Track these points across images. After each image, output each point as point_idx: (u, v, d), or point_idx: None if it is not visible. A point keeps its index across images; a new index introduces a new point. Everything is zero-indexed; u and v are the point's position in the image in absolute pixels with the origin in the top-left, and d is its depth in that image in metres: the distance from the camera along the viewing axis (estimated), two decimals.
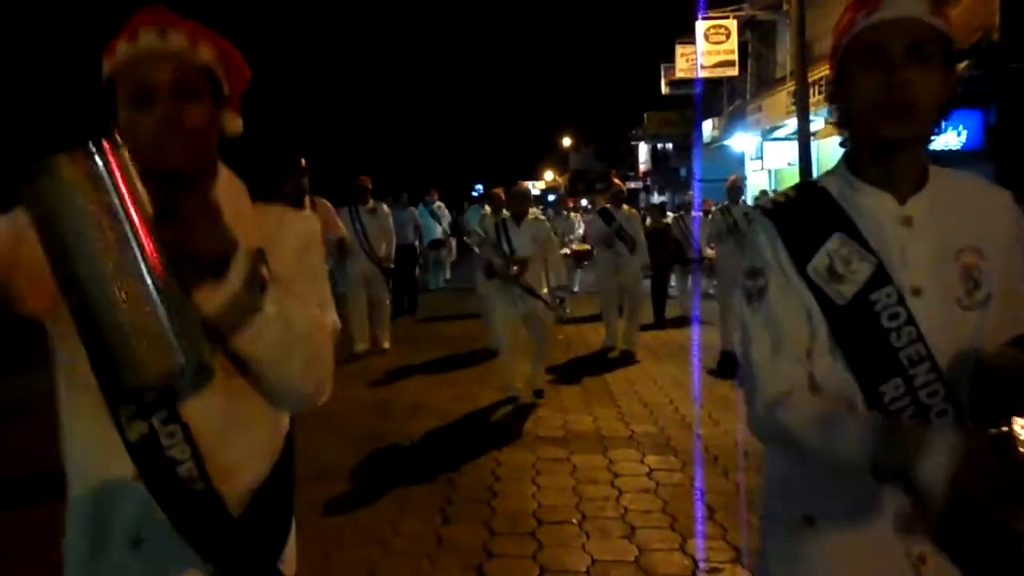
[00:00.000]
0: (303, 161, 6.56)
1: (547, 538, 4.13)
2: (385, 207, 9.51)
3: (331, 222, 7.31)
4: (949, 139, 12.22)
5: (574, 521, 4.34)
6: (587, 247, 14.29)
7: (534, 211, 7.35)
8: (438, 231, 15.37)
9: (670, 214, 12.61)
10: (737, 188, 9.01)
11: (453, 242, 16.61)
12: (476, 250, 8.05)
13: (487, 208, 8.90)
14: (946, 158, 13.11)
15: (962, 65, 10.64)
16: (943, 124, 1.50)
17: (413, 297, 12.57)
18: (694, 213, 12.08)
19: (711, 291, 13.27)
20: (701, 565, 3.82)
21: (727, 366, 7.94)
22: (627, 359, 8.72)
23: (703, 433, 5.95)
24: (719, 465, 5.21)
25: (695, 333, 9.82)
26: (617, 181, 10.32)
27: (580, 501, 4.61)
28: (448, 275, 16.88)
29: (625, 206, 9.25)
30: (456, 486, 4.92)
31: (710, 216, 13.46)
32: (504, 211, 7.45)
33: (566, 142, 50.88)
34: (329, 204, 6.94)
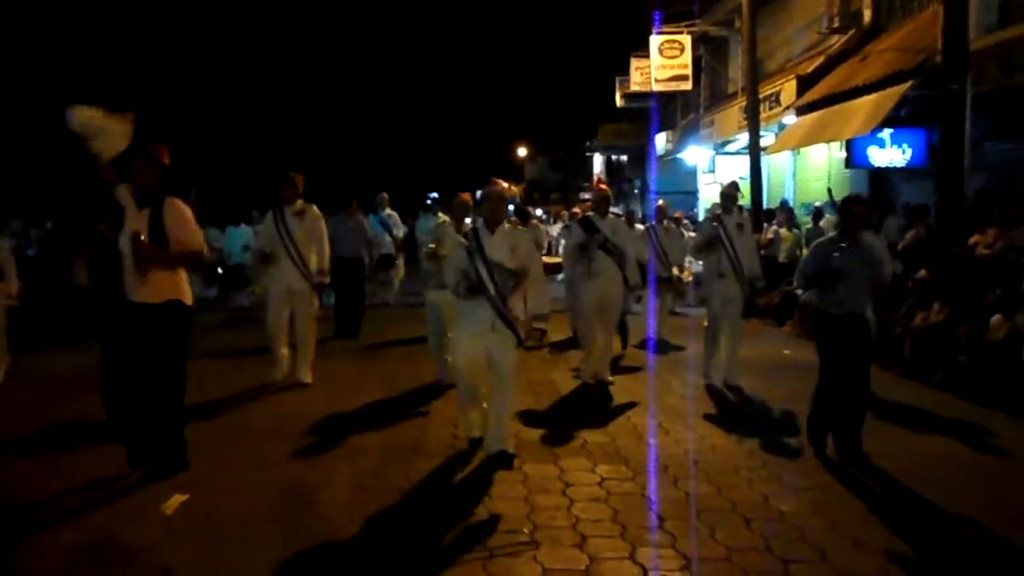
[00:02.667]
0: (163, 150, 5.07)
1: (499, 548, 4.11)
2: (315, 209, 7.90)
3: (180, 226, 5.03)
4: (894, 157, 12.59)
5: (525, 530, 4.33)
6: (557, 260, 13.46)
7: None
8: (387, 243, 13.63)
9: (639, 226, 11.68)
10: (732, 196, 8.02)
11: (402, 256, 14.75)
12: (424, 264, 6.81)
13: (442, 216, 8.35)
14: (889, 176, 13.49)
15: (907, 86, 10.96)
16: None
17: (358, 319, 10.99)
18: (651, 223, 11.31)
19: (677, 309, 12.77)
20: (651, 574, 3.85)
21: (729, 414, 6.89)
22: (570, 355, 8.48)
23: (653, 442, 6.00)
24: (669, 474, 5.26)
25: (651, 347, 9.87)
26: (602, 186, 8.87)
27: (532, 510, 4.61)
28: (396, 290, 14.93)
29: (610, 214, 7.97)
30: (407, 497, 4.88)
31: (676, 225, 13.03)
32: (466, 220, 6.67)
33: (521, 152, 51.02)
34: (181, 204, 5.04)
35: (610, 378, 7.87)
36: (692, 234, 14.05)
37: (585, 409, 7.03)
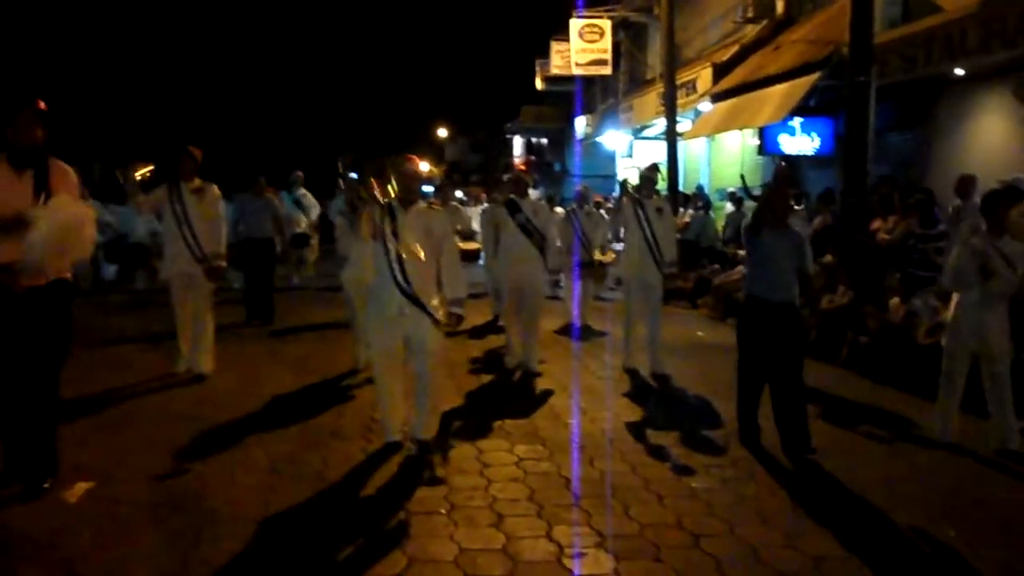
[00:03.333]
0: (40, 103, 4.42)
1: (415, 528, 4.12)
2: (215, 188, 7.28)
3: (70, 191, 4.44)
4: (803, 145, 13.02)
5: (443, 511, 4.35)
6: (476, 245, 12.77)
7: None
8: (303, 223, 13.22)
9: (560, 209, 11.56)
10: (652, 180, 7.93)
11: (317, 236, 14.13)
12: (340, 247, 6.39)
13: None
14: (799, 163, 13.96)
15: (816, 76, 11.33)
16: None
17: (268, 303, 10.43)
18: (574, 207, 11.04)
19: (600, 294, 12.56)
20: (567, 551, 3.92)
21: (645, 395, 6.95)
22: (499, 351, 8.44)
23: (571, 423, 6.09)
24: (586, 453, 5.35)
25: (574, 332, 9.85)
26: (522, 167, 8.85)
27: (449, 491, 4.63)
28: (311, 272, 14.21)
29: (531, 196, 7.83)
30: (323, 478, 4.83)
31: (601, 209, 12.94)
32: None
33: (441, 132, 50.68)
34: (67, 167, 4.47)
35: (538, 369, 7.63)
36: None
37: (504, 392, 7.07)
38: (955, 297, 5.70)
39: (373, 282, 5.16)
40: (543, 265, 7.70)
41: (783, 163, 13.23)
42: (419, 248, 5.02)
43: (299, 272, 13.80)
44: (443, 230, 5.24)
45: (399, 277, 5.02)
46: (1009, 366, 5.52)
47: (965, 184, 8.58)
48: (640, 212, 7.66)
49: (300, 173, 13.61)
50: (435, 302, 5.15)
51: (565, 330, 9.98)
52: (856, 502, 4.62)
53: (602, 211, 12.83)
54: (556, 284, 10.78)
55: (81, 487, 4.54)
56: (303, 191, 13.59)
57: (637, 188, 8.14)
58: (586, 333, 9.88)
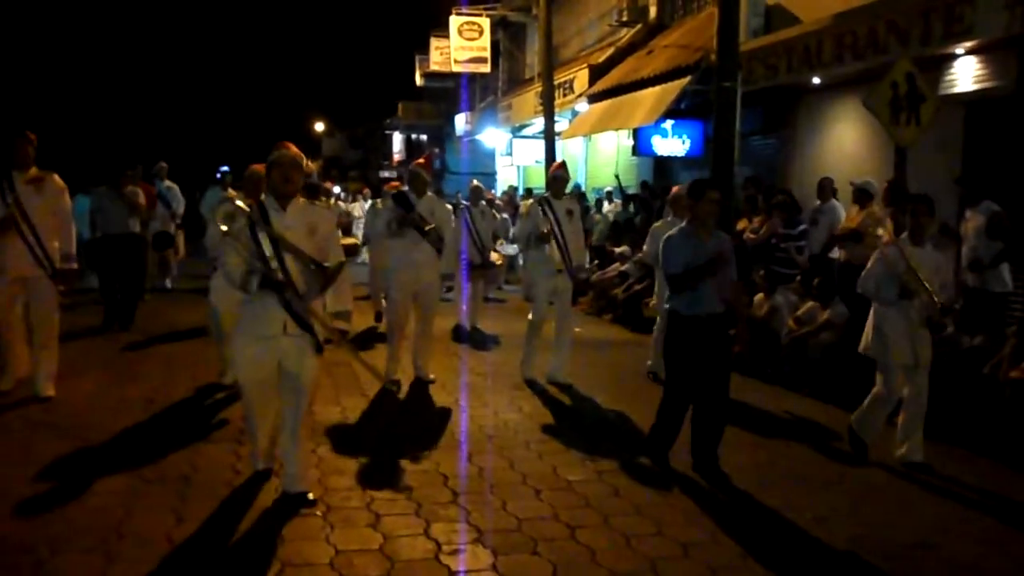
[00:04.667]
0: None
1: (290, 532, 4.01)
2: (57, 178, 6.37)
3: None
4: (675, 146, 13.48)
5: (318, 513, 4.25)
6: (354, 240, 11.80)
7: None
8: (167, 217, 12.41)
9: (448, 206, 11.33)
10: (563, 179, 7.38)
11: (182, 233, 13.29)
12: (209, 249, 5.53)
13: (231, 191, 7.68)
14: (671, 163, 14.46)
15: (686, 81, 11.75)
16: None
17: (131, 306, 9.55)
18: (465, 205, 10.73)
19: (491, 295, 12.29)
20: (444, 548, 3.90)
21: (526, 392, 6.82)
22: (380, 348, 8.26)
23: (451, 421, 6.08)
24: (464, 451, 5.36)
25: (463, 334, 9.72)
26: (419, 160, 7.61)
27: (325, 492, 4.53)
28: (175, 272, 13.29)
29: (429, 192, 7.12)
30: (190, 482, 4.63)
31: (489, 207, 12.57)
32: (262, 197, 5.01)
33: (319, 127, 49.55)
34: None
35: (431, 376, 7.19)
36: (504, 215, 14.25)
37: (384, 391, 6.95)
38: (874, 308, 5.44)
39: (248, 296, 4.30)
40: (438, 268, 7.14)
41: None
42: (305, 252, 4.27)
43: (162, 273, 12.83)
44: (329, 228, 4.55)
45: (288, 292, 4.24)
46: (927, 376, 5.28)
47: (823, 186, 9.10)
48: (549, 214, 7.08)
49: (164, 164, 12.78)
50: (318, 313, 4.46)
51: (453, 332, 9.78)
52: (723, 490, 4.82)
53: (493, 209, 12.64)
54: (449, 288, 10.52)
55: None
56: (168, 183, 12.78)
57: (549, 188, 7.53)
58: (475, 335, 9.70)
